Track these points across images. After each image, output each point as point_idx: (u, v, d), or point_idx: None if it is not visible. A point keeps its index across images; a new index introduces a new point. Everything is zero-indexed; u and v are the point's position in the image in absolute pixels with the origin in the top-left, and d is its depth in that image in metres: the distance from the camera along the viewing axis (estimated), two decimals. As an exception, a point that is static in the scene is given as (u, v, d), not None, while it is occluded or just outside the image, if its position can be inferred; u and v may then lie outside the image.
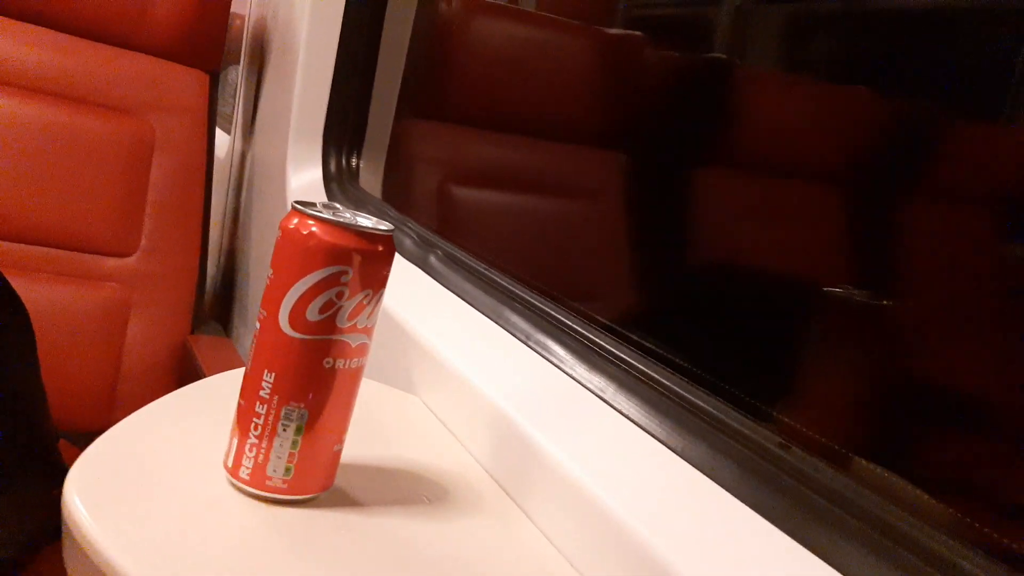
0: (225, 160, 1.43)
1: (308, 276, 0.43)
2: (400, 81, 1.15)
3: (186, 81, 1.18)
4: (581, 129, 1.22)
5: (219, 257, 1.41)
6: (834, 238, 0.75)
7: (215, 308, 1.36)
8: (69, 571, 0.41)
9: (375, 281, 0.45)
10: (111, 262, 1.09)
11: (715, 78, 0.97)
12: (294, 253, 0.43)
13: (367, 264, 0.44)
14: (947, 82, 0.64)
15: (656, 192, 1.00)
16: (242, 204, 1.37)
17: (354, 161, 1.12)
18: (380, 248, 0.44)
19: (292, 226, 0.43)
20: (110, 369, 1.06)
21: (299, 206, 0.44)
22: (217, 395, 0.58)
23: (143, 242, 1.12)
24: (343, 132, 1.11)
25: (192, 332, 1.16)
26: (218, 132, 1.29)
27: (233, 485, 0.45)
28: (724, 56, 1.00)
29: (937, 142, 0.69)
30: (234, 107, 1.45)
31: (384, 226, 0.45)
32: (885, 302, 0.68)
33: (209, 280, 1.30)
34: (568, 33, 1.27)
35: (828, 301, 0.66)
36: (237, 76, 1.43)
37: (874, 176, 0.73)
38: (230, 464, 0.46)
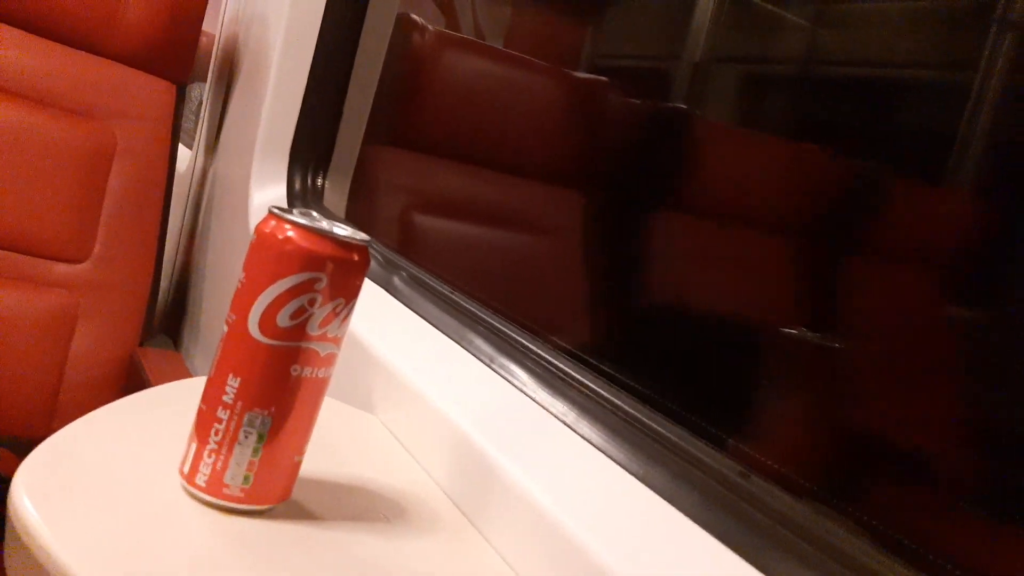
0: (185, 174, 1.41)
1: (281, 281, 0.42)
2: (371, 105, 1.15)
3: (152, 90, 1.17)
4: (546, 166, 1.24)
5: (173, 270, 1.38)
6: (791, 282, 0.77)
7: (166, 322, 1.33)
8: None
9: (348, 290, 0.45)
10: (62, 268, 1.06)
11: (674, 127, 1.00)
12: (269, 257, 0.43)
13: (341, 272, 0.44)
14: (893, 145, 0.67)
15: (621, 230, 1.02)
16: (200, 219, 1.35)
17: (320, 181, 1.11)
18: (355, 257, 0.44)
19: (268, 230, 0.43)
20: (53, 376, 1.02)
21: (276, 210, 0.44)
22: (170, 402, 0.57)
23: (96, 249, 1.09)
24: (310, 151, 1.11)
25: (141, 344, 1.13)
26: (179, 147, 1.27)
27: (188, 492, 0.44)
28: (683, 107, 1.04)
29: (882, 201, 0.72)
30: (196, 123, 1.44)
31: (360, 236, 0.45)
32: (837, 344, 0.71)
33: (161, 293, 1.27)
34: (536, 73, 1.29)
35: (786, 340, 0.68)
36: (202, 92, 1.42)
37: (826, 229, 0.76)
38: (186, 470, 0.44)
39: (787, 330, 0.70)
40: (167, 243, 1.22)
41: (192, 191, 1.40)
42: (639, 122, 1.09)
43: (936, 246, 0.65)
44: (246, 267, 0.44)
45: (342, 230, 0.45)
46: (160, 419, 0.54)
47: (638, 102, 1.14)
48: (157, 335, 1.22)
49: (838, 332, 0.69)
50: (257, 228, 0.44)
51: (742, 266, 0.81)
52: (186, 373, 1.11)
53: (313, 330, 0.44)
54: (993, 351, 0.56)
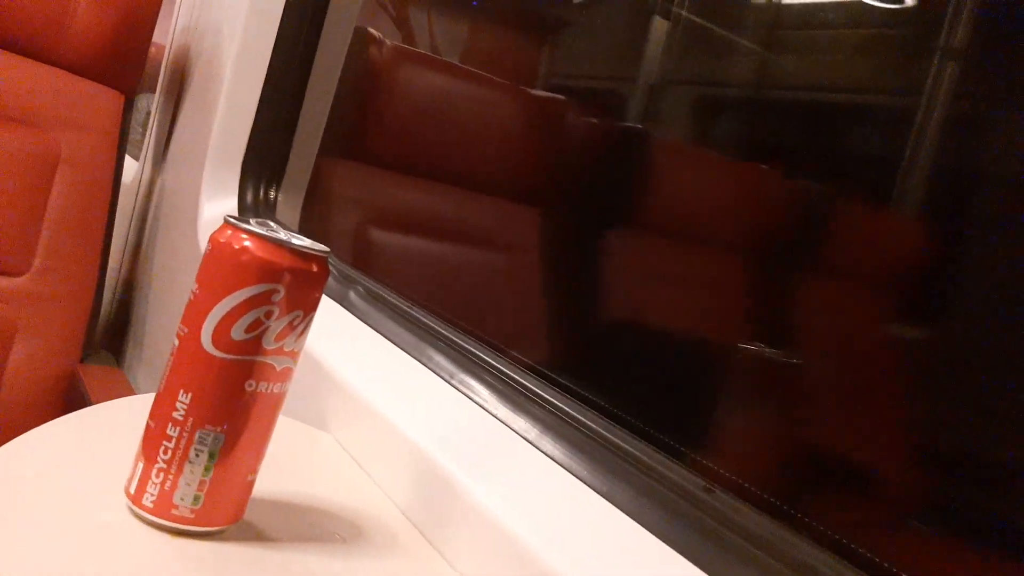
0: (132, 186, 1.37)
1: (237, 292, 0.41)
2: (326, 118, 1.14)
3: (100, 100, 1.13)
4: (503, 182, 1.24)
5: (116, 285, 1.33)
6: (751, 299, 0.78)
7: (108, 337, 1.29)
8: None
9: (306, 303, 0.43)
10: (0, 281, 1.02)
11: (629, 146, 1.01)
12: (224, 267, 0.41)
13: (300, 284, 0.42)
14: (840, 167, 0.69)
15: (581, 247, 1.02)
16: (146, 232, 1.31)
17: (272, 193, 1.09)
18: (314, 268, 0.43)
19: (224, 239, 0.41)
20: (-11, 394, 0.98)
21: (232, 219, 0.42)
22: (113, 421, 0.55)
23: (37, 262, 1.05)
24: (263, 163, 1.08)
25: (82, 361, 1.09)
26: (126, 158, 1.23)
27: (134, 513, 0.42)
28: (638, 126, 1.05)
29: (831, 221, 0.73)
30: (144, 134, 1.40)
31: (320, 247, 0.44)
32: (795, 360, 0.71)
33: (104, 308, 1.23)
34: (494, 89, 1.29)
35: (745, 356, 0.68)
36: (149, 103, 1.38)
37: (783, 247, 0.77)
38: (133, 491, 0.42)
39: (746, 346, 0.71)
40: (111, 256, 1.18)
41: (138, 203, 1.36)
42: (597, 140, 1.10)
43: (884, 266, 0.67)
44: (199, 278, 0.42)
45: (300, 241, 0.44)
46: (103, 438, 0.51)
47: (595, 121, 1.15)
48: (99, 351, 1.18)
49: (796, 349, 0.70)
50: (212, 237, 0.42)
51: (701, 282, 0.81)
52: (129, 391, 1.07)
53: (269, 343, 0.42)
54: (942, 368, 0.57)
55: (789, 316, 0.74)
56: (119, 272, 1.34)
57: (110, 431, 0.53)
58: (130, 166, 1.33)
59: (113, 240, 1.18)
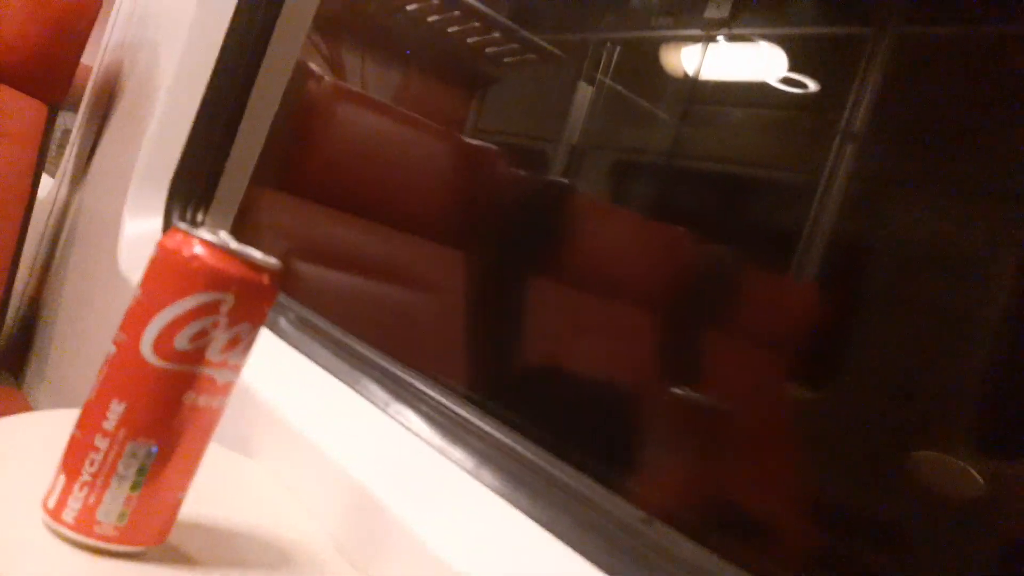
0: (46, 203, 1.31)
1: (184, 299, 0.40)
2: (262, 146, 1.12)
3: (20, 108, 1.09)
4: (439, 224, 1.25)
5: (20, 304, 1.26)
6: (679, 345, 0.80)
7: (7, 357, 1.21)
8: None
9: (254, 315, 0.42)
10: None
11: (552, 199, 1.04)
12: (172, 274, 0.40)
13: (250, 295, 0.41)
14: (749, 236, 0.73)
15: (508, 288, 1.03)
16: (59, 251, 1.25)
17: (200, 216, 1.06)
18: (266, 281, 0.42)
19: (173, 245, 0.40)
20: None
21: (183, 225, 0.41)
22: (19, 436, 0.52)
23: (-63, 273, 0.99)
24: (193, 186, 1.06)
25: (-22, 381, 1.02)
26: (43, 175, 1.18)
27: (52, 530, 0.40)
28: (563, 181, 1.08)
29: (738, 285, 0.77)
30: (61, 151, 1.35)
31: (272, 260, 0.43)
32: (716, 404, 0.74)
33: (6, 326, 1.16)
34: (429, 134, 1.31)
35: (673, 398, 0.70)
36: (67, 121, 1.33)
37: (695, 303, 0.81)
38: (52, 505, 0.40)
39: (674, 390, 0.73)
40: (18, 272, 1.12)
41: (52, 221, 1.30)
42: (524, 194, 1.12)
43: (781, 327, 0.70)
44: (144, 284, 0.41)
45: (253, 252, 0.43)
46: (9, 453, 0.48)
47: (524, 173, 1.17)
48: (-3, 372, 1.11)
49: (716, 394, 0.72)
50: (160, 243, 0.41)
51: (624, 325, 0.83)
52: (28, 410, 1.01)
53: (214, 355, 0.41)
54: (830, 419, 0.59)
55: (702, 364, 0.77)
56: (24, 290, 1.27)
57: (17, 447, 0.50)
58: (46, 182, 1.28)
59: (22, 256, 1.12)
